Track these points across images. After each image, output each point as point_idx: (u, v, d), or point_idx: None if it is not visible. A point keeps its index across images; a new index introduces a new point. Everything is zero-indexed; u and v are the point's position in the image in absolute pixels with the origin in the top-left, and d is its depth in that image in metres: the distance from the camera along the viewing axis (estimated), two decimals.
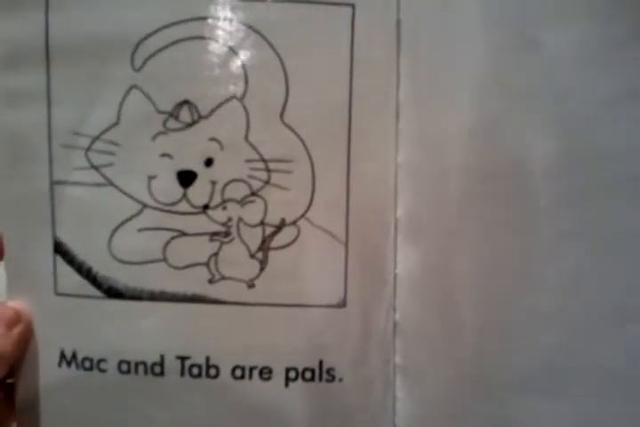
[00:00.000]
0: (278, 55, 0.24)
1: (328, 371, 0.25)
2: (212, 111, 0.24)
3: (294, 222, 0.24)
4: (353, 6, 0.23)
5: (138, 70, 0.24)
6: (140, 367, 0.25)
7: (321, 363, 0.25)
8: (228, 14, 0.24)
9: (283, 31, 0.24)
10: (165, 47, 0.24)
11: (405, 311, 0.25)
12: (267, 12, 0.23)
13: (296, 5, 0.23)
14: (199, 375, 0.25)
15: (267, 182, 0.24)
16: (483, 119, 0.24)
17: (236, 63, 0.24)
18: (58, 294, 0.25)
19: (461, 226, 0.24)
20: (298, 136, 0.24)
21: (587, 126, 0.23)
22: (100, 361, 0.25)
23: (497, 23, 0.24)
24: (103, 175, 0.24)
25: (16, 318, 0.25)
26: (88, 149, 0.24)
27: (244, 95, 0.24)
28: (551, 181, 0.24)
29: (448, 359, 0.25)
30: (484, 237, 0.24)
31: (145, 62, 0.24)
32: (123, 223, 0.25)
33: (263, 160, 0.24)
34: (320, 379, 0.25)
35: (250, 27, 0.24)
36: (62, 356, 0.26)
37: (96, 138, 0.24)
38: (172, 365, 0.25)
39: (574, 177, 0.24)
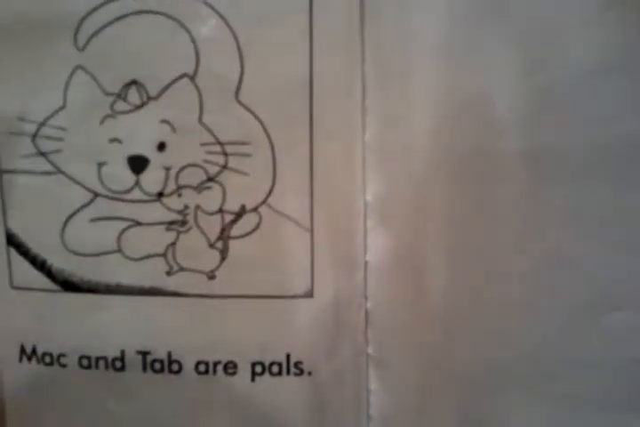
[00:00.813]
0: (231, 29, 0.22)
1: (296, 364, 0.24)
2: (162, 91, 0.22)
3: (255, 209, 0.23)
4: None
5: (82, 50, 0.22)
6: (101, 362, 0.25)
7: (288, 356, 0.24)
8: None
9: (235, 3, 0.22)
10: (110, 23, 0.22)
11: (377, 300, 0.24)
12: None
13: None
14: (161, 371, 0.24)
15: (224, 167, 0.23)
16: (452, 95, 0.22)
17: (186, 39, 0.22)
18: (14, 287, 0.24)
19: (433, 210, 0.23)
20: (255, 117, 0.22)
21: (560, 103, 0.21)
22: (60, 356, 0.25)
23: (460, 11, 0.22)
24: (52, 162, 0.23)
25: None
26: (35, 136, 0.23)
27: (195, 73, 0.22)
28: (522, 163, 0.22)
29: (420, 349, 0.24)
30: (455, 222, 0.23)
31: (89, 41, 0.22)
32: (74, 213, 0.23)
33: (219, 143, 0.23)
34: (288, 373, 0.24)
35: None
36: (22, 351, 0.25)
37: (42, 123, 0.23)
38: (133, 360, 0.24)
39: (547, 160, 0.22)
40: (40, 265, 0.24)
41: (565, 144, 0.22)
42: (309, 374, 0.24)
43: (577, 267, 0.22)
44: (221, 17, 0.22)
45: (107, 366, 0.24)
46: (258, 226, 0.23)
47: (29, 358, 0.25)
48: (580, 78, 0.21)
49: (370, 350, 0.24)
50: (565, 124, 0.22)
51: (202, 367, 0.24)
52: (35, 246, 0.24)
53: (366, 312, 0.24)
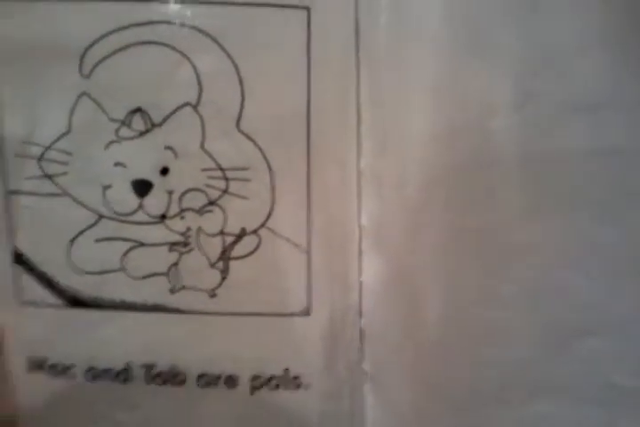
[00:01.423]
0: (232, 60, 0.22)
1: (294, 379, 0.25)
2: (166, 119, 0.23)
3: (255, 231, 0.24)
4: (308, 9, 0.22)
5: (87, 77, 0.23)
6: (108, 374, 0.26)
7: (287, 371, 0.25)
8: (179, 18, 0.22)
9: (236, 35, 0.22)
10: (115, 53, 0.23)
11: (372, 318, 0.25)
12: (219, 15, 0.22)
13: (249, 9, 0.22)
14: (165, 383, 0.25)
15: (225, 191, 0.24)
16: (442, 123, 0.23)
17: (189, 69, 0.23)
18: (22, 303, 0.25)
19: (425, 235, 0.24)
20: (255, 144, 0.23)
21: (548, 135, 0.22)
22: (67, 368, 0.26)
23: (453, 25, 0.22)
24: (57, 185, 0.24)
25: None
26: (40, 159, 0.24)
27: (198, 102, 0.23)
28: (513, 193, 0.23)
29: (414, 365, 0.25)
30: (447, 247, 0.24)
31: (94, 69, 0.23)
32: (80, 233, 0.24)
33: (220, 169, 0.23)
34: (286, 387, 0.25)
35: (202, 31, 0.22)
36: (31, 363, 0.26)
37: (48, 147, 0.24)
38: (138, 372, 0.25)
39: (537, 189, 0.23)
40: (47, 282, 0.25)
41: (555, 176, 0.23)
42: (306, 388, 0.25)
43: (557, 294, 0.23)
44: (222, 48, 0.22)
45: (113, 378, 0.25)
46: (257, 247, 0.24)
47: (38, 370, 0.26)
48: (563, 112, 0.22)
49: (365, 366, 0.25)
50: (556, 158, 0.22)
51: (204, 380, 0.25)
52: (42, 265, 0.25)
53: (361, 330, 0.25)
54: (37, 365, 0.26)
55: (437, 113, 0.23)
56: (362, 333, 0.25)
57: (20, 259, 0.25)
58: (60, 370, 0.26)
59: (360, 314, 0.25)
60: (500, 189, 0.23)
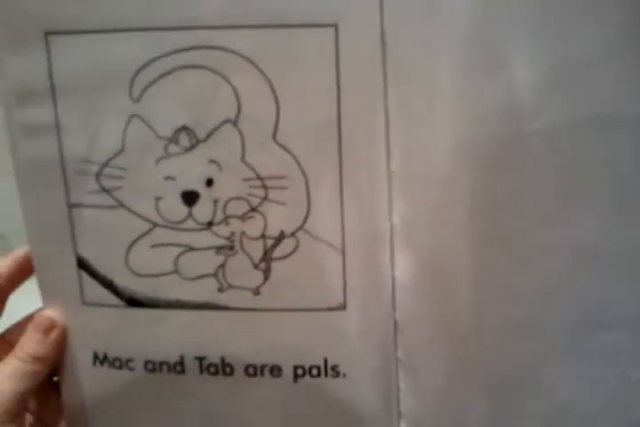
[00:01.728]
0: (267, 79, 0.25)
1: (333, 368, 0.27)
2: (209, 135, 0.25)
3: (293, 234, 0.26)
4: (336, 26, 0.24)
5: (136, 101, 0.25)
6: (164, 366, 0.28)
7: (326, 361, 0.27)
8: (217, 42, 0.24)
9: (270, 55, 0.24)
10: (160, 77, 0.25)
11: (405, 311, 0.27)
12: (253, 38, 0.24)
13: (281, 30, 0.24)
14: (216, 373, 0.28)
15: (264, 198, 0.26)
16: (466, 131, 0.25)
17: (228, 89, 0.25)
18: (85, 303, 0.28)
19: (453, 234, 0.26)
20: (291, 154, 0.25)
21: (567, 140, 0.24)
22: (128, 361, 0.28)
23: (475, 39, 0.24)
24: (114, 198, 0.26)
25: (51, 325, 0.28)
26: (99, 175, 0.26)
27: (237, 118, 0.25)
28: (535, 196, 0.25)
29: (445, 354, 0.27)
30: (473, 246, 0.26)
31: (142, 93, 0.25)
32: (136, 240, 0.27)
33: (260, 178, 0.26)
34: (326, 375, 0.27)
35: (238, 53, 0.24)
36: (95, 357, 0.29)
37: (104, 164, 0.26)
38: (191, 364, 0.28)
39: (560, 193, 0.24)
40: (108, 285, 0.28)
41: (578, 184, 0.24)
42: (344, 375, 0.27)
43: (576, 291, 0.25)
44: (257, 68, 0.25)
45: (169, 370, 0.28)
46: (296, 249, 0.26)
47: (102, 363, 0.29)
48: (573, 127, 0.24)
49: (399, 355, 0.27)
50: (575, 164, 0.24)
51: (251, 370, 0.28)
52: (102, 269, 0.28)
53: (395, 322, 0.27)
54: (100, 359, 0.29)
55: (460, 121, 0.25)
56: (395, 324, 0.27)
57: (82, 264, 0.27)
58: (120, 363, 0.28)
59: (394, 307, 0.27)
60: (522, 192, 0.25)
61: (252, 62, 0.25)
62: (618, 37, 0.23)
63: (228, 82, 0.25)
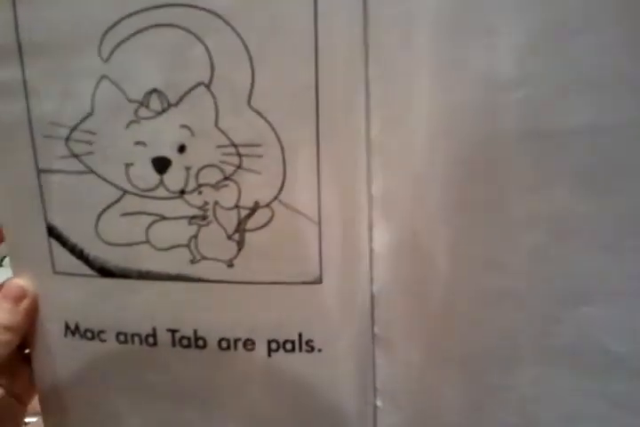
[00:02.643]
0: (242, 40, 0.23)
1: (307, 342, 0.26)
2: (181, 99, 0.24)
3: (268, 205, 0.25)
4: None
5: (106, 61, 0.24)
6: (136, 338, 0.28)
7: (300, 335, 0.26)
8: (189, 0, 0.23)
9: (246, 15, 0.23)
10: (131, 36, 0.24)
11: (382, 284, 0.26)
12: None
13: None
14: (189, 346, 0.27)
15: (239, 167, 0.25)
16: (447, 99, 0.24)
17: (201, 49, 0.24)
18: (56, 272, 0.27)
19: (432, 205, 0.25)
20: (266, 121, 0.24)
21: (548, 111, 0.23)
22: (99, 332, 0.28)
23: (455, 9, 0.23)
24: (84, 163, 0.26)
25: (22, 294, 0.27)
26: (68, 139, 0.25)
27: (210, 82, 0.24)
28: (514, 167, 0.24)
29: (421, 328, 0.26)
30: (452, 217, 0.25)
31: (112, 53, 0.24)
32: (106, 208, 0.26)
33: (234, 145, 0.25)
34: (300, 350, 0.27)
35: (212, 12, 0.23)
36: (67, 327, 0.28)
37: (74, 128, 0.25)
38: (163, 336, 0.27)
39: (536, 164, 0.23)
40: (78, 254, 0.27)
41: (556, 151, 0.23)
42: (319, 351, 0.27)
43: (555, 263, 0.24)
44: (233, 28, 0.23)
45: (141, 342, 0.27)
46: (270, 220, 0.25)
47: (73, 334, 0.28)
48: (562, 92, 0.23)
49: (376, 330, 0.27)
50: (556, 134, 0.23)
51: (224, 344, 0.27)
52: (73, 237, 0.27)
53: (372, 295, 0.26)
54: (72, 329, 0.28)
55: (442, 89, 0.24)
56: (372, 298, 0.26)
57: (53, 232, 0.27)
58: (92, 334, 0.28)
59: (371, 281, 0.26)
60: (501, 163, 0.24)
61: (227, 22, 0.23)
62: (603, 5, 0.22)
63: (202, 42, 0.24)
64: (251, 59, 0.24)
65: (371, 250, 0.26)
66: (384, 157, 0.25)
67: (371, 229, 0.26)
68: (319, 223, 0.25)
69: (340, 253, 0.26)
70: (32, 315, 0.28)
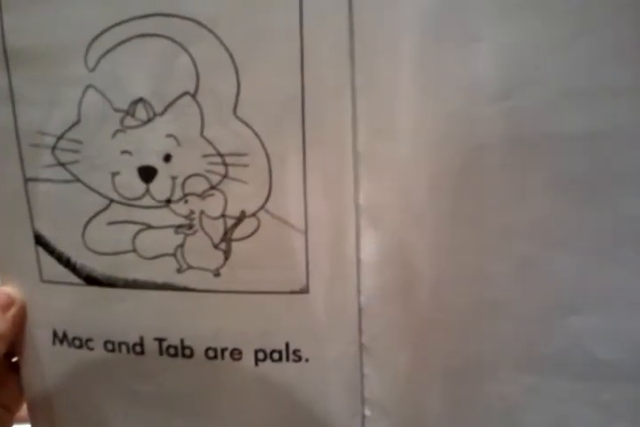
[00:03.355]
0: (227, 49, 0.23)
1: (294, 352, 0.26)
2: (167, 108, 0.24)
3: (254, 214, 0.25)
4: None
5: (92, 70, 0.24)
6: (123, 347, 0.27)
7: (287, 345, 0.26)
8: (175, 10, 0.23)
9: (230, 24, 0.23)
10: (116, 46, 0.24)
11: (370, 294, 0.26)
12: (214, 6, 0.23)
13: None
14: (175, 355, 0.27)
15: (225, 176, 0.25)
16: (432, 109, 0.23)
17: (186, 59, 0.24)
18: (43, 281, 0.27)
19: (419, 214, 0.25)
20: (252, 130, 0.24)
21: (535, 122, 0.23)
22: (87, 340, 0.28)
23: (440, 13, 0.23)
24: (70, 172, 0.26)
25: (9, 302, 0.27)
26: (54, 148, 0.25)
27: (196, 91, 0.24)
28: (501, 177, 0.23)
29: (409, 339, 0.26)
30: (440, 226, 0.25)
31: (98, 62, 0.24)
32: (93, 217, 0.26)
33: (220, 155, 0.25)
34: (287, 359, 0.26)
35: (197, 22, 0.23)
36: (55, 335, 0.28)
37: (60, 137, 0.25)
38: (150, 345, 0.27)
39: (523, 174, 0.23)
40: (65, 262, 0.27)
41: (541, 162, 0.23)
42: (307, 360, 0.26)
43: (544, 273, 0.24)
44: (217, 38, 0.23)
45: (128, 351, 0.27)
46: (257, 229, 0.25)
47: (61, 342, 0.28)
48: (549, 103, 0.22)
49: (363, 340, 0.27)
50: (543, 141, 0.23)
51: (211, 353, 0.27)
52: (59, 246, 0.27)
53: (360, 305, 0.26)
54: (60, 337, 0.28)
55: (427, 99, 0.23)
56: (360, 309, 0.26)
57: (40, 240, 0.27)
58: (80, 342, 0.28)
59: (359, 291, 0.26)
60: (487, 173, 0.24)
61: (211, 32, 0.23)
62: (589, 12, 0.21)
63: (187, 52, 0.24)
64: (236, 68, 0.24)
65: (358, 260, 0.26)
66: (371, 167, 0.25)
67: (358, 238, 0.26)
68: (306, 233, 0.25)
69: (328, 263, 0.26)
70: (20, 323, 0.28)
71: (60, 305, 0.28)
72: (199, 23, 0.23)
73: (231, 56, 0.23)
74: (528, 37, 0.22)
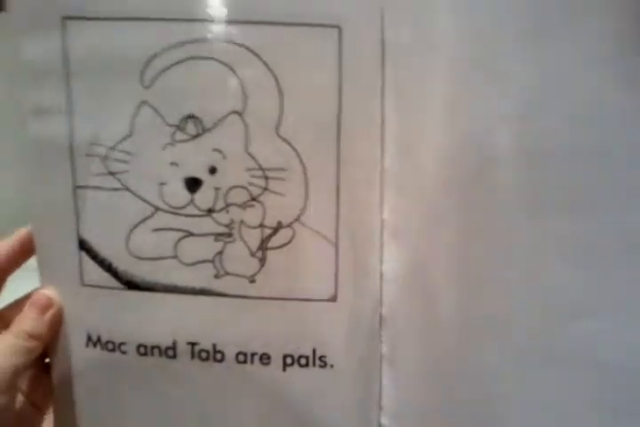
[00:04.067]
0: (273, 73, 0.26)
1: (320, 358, 0.28)
2: (215, 125, 0.26)
3: (289, 225, 0.27)
4: (339, 28, 0.25)
5: (147, 88, 0.26)
6: (156, 351, 0.29)
7: (314, 351, 0.28)
8: (227, 36, 0.26)
9: (276, 51, 0.26)
10: (171, 66, 0.26)
11: (391, 306, 0.28)
12: (261, 33, 0.26)
13: (288, 28, 0.25)
14: (207, 359, 0.28)
15: (265, 189, 0.27)
16: (455, 133, 0.26)
17: (235, 81, 0.26)
18: (84, 285, 0.29)
19: (439, 230, 0.27)
20: (292, 147, 0.26)
21: (550, 145, 0.25)
22: (121, 344, 0.29)
23: (466, 44, 0.25)
24: (119, 181, 0.27)
25: (48, 304, 0.28)
26: (106, 158, 0.27)
27: (243, 110, 0.26)
28: (514, 196, 0.26)
29: (428, 351, 0.28)
30: (458, 241, 0.27)
31: (153, 80, 0.26)
32: (138, 224, 0.28)
33: (261, 169, 0.27)
34: (314, 365, 0.28)
35: (246, 47, 0.26)
36: (89, 338, 0.29)
37: (112, 148, 0.27)
38: (183, 349, 0.28)
39: (534, 193, 0.26)
40: (107, 267, 0.28)
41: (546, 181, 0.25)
42: (332, 366, 0.28)
43: (555, 283, 0.26)
44: (265, 63, 0.26)
45: (160, 354, 0.28)
46: (291, 239, 0.27)
47: (95, 345, 0.29)
48: (561, 128, 0.25)
49: (383, 350, 0.28)
50: (552, 163, 0.25)
51: (241, 357, 0.28)
52: (103, 251, 0.28)
53: (381, 317, 0.28)
54: (94, 341, 0.29)
55: (451, 122, 0.26)
56: (381, 319, 0.28)
57: (83, 245, 0.28)
58: (113, 346, 0.29)
59: (381, 302, 0.28)
60: (502, 192, 0.26)
61: (259, 57, 0.26)
62: (601, 47, 0.24)
63: (236, 74, 0.26)
64: (280, 92, 0.26)
65: (381, 273, 0.27)
66: (396, 184, 0.27)
67: (382, 251, 0.27)
68: (336, 244, 0.27)
69: (354, 274, 0.28)
70: (56, 325, 0.29)
71: (97, 309, 0.29)
72: (249, 49, 0.26)
73: (276, 80, 0.26)
74: (544, 73, 0.25)
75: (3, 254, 0.29)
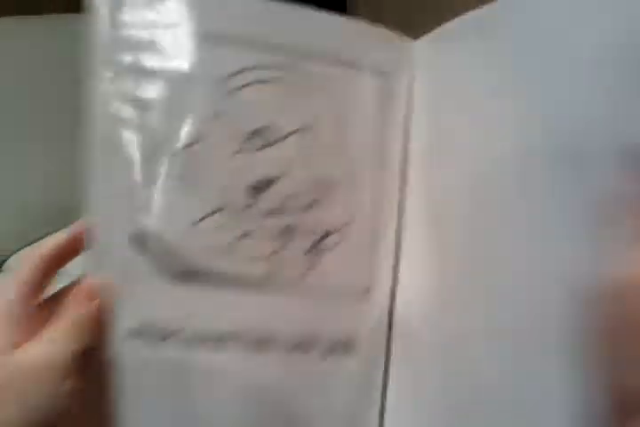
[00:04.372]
0: (336, 104, 0.31)
1: (354, 346, 0.32)
2: (282, 139, 0.30)
3: (339, 229, 0.31)
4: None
5: (224, 100, 0.29)
6: (204, 343, 0.30)
7: (349, 340, 0.32)
8: (302, 66, 0.31)
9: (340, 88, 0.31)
10: (250, 84, 0.29)
11: (402, 311, 0.32)
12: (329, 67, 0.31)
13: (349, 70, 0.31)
14: (254, 350, 0.30)
15: (320, 197, 0.31)
16: (473, 178, 0.30)
17: (305, 102, 0.30)
18: (136, 275, 0.29)
19: (450, 239, 0.31)
20: (350, 163, 0.30)
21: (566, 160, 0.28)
22: (167, 336, 0.30)
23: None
24: (186, 181, 0.29)
25: (96, 293, 0.29)
26: (175, 157, 0.29)
27: (307, 129, 0.30)
28: (513, 223, 0.28)
29: (437, 359, 0.31)
30: (469, 255, 0.30)
31: (231, 94, 0.29)
32: (199, 221, 0.30)
33: (319, 180, 0.30)
34: (349, 353, 0.31)
35: (316, 77, 0.30)
36: (136, 329, 0.29)
37: (182, 148, 0.29)
38: (232, 341, 0.30)
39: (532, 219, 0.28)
40: (162, 260, 0.29)
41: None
42: (360, 355, 0.32)
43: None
44: (328, 93, 0.30)
45: (210, 346, 0.30)
46: (340, 242, 0.31)
47: (140, 336, 0.29)
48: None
49: (392, 356, 0.32)
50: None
51: (287, 348, 0.31)
52: (159, 244, 0.29)
53: (391, 317, 0.32)
54: (139, 332, 0.30)
55: (468, 170, 0.30)
56: (390, 323, 0.33)
57: (139, 238, 0.29)
58: (163, 336, 0.30)
59: (391, 311, 0.33)
60: (502, 221, 0.29)
61: (324, 88, 0.30)
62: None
63: (309, 99, 0.30)
64: (340, 119, 0.31)
65: (395, 278, 0.32)
66: (413, 193, 0.32)
67: (397, 260, 0.32)
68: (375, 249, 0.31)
69: (381, 277, 0.32)
70: (104, 314, 0.29)
71: (148, 300, 0.29)
72: (318, 78, 0.30)
73: (337, 110, 0.30)
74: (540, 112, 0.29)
75: (61, 245, 0.30)
